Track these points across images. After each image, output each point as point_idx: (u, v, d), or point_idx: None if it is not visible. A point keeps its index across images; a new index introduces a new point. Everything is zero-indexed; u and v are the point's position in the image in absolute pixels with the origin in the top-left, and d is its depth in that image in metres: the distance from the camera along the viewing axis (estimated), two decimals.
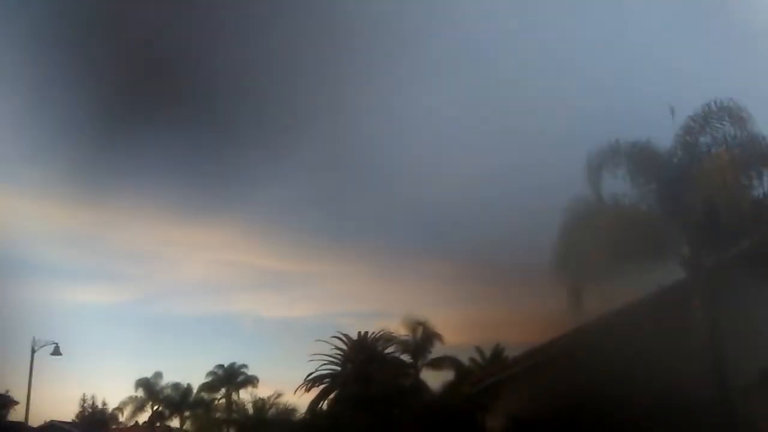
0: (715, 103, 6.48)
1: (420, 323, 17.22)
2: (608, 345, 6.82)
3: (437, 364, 17.31)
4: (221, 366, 23.38)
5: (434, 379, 16.79)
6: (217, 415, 22.08)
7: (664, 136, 6.74)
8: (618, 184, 6.84)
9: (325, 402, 17.38)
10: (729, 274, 6.58)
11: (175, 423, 24.25)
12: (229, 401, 22.65)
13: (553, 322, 8.08)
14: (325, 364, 17.57)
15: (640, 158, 6.84)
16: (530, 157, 7.96)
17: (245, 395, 22.28)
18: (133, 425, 24.77)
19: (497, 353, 16.40)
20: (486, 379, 11.08)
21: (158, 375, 23.54)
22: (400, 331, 17.42)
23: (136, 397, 23.72)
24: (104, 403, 27.37)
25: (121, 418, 25.46)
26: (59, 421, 23.22)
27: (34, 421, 16.15)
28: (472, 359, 17.14)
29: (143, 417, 24.42)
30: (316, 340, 17.41)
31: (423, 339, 17.29)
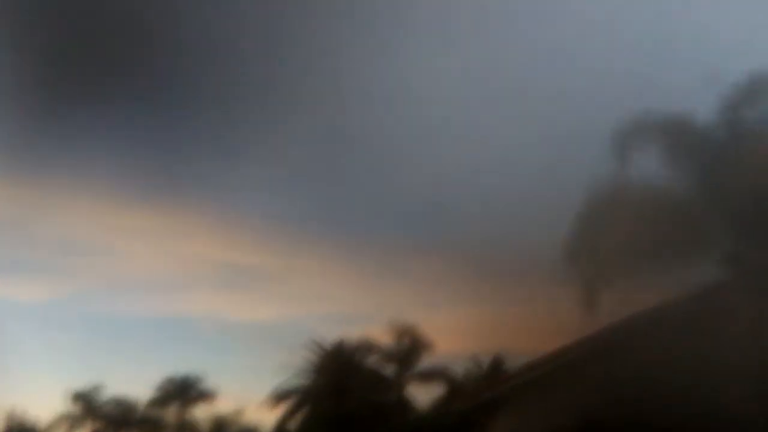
0: (764, 72, 6.62)
1: (407, 329, 17.10)
2: (630, 356, 6.65)
3: (426, 376, 17.20)
4: (173, 378, 23.12)
5: (423, 394, 16.72)
6: None
7: (703, 109, 6.60)
8: (647, 165, 6.67)
9: (295, 419, 17.24)
10: None
11: None
12: (182, 419, 22.45)
13: (563, 327, 7.91)
14: (295, 375, 17.39)
15: (675, 133, 6.68)
16: (538, 130, 7.74)
17: (201, 412, 22.16)
18: None
19: (497, 364, 16.33)
20: (483, 394, 10.99)
21: (98, 387, 23.23)
22: (384, 337, 17.31)
23: (72, 413, 23.48)
24: (34, 420, 27.05)
25: None
26: None
27: None
28: (467, 371, 17.09)
29: None
30: (285, 348, 17.18)
31: (410, 347, 17.16)
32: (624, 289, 6.63)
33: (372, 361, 17.68)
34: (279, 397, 17.75)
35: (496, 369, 15.97)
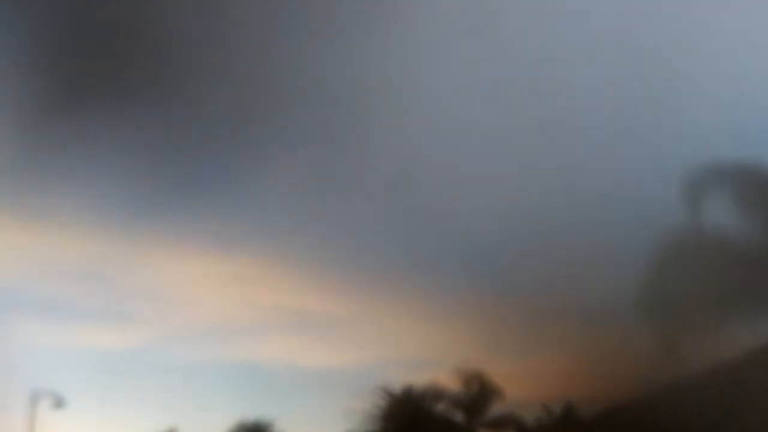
0: None
1: (476, 375, 16.91)
2: (710, 408, 6.48)
3: (496, 424, 16.92)
4: (245, 423, 23.24)
5: None
6: None
7: None
8: (720, 212, 6.58)
9: None
10: None
11: None
12: None
13: (638, 376, 7.77)
14: (364, 421, 17.31)
15: (748, 182, 6.61)
16: (613, 177, 7.71)
17: None
18: None
19: (568, 412, 16.02)
20: None
21: (174, 431, 23.52)
22: (453, 384, 17.14)
23: None
24: None
25: None
26: None
27: None
28: (538, 419, 16.76)
29: None
30: (354, 394, 17.18)
31: (479, 394, 16.96)
32: (701, 336, 6.52)
33: (441, 407, 17.53)
34: None
35: (567, 417, 15.69)
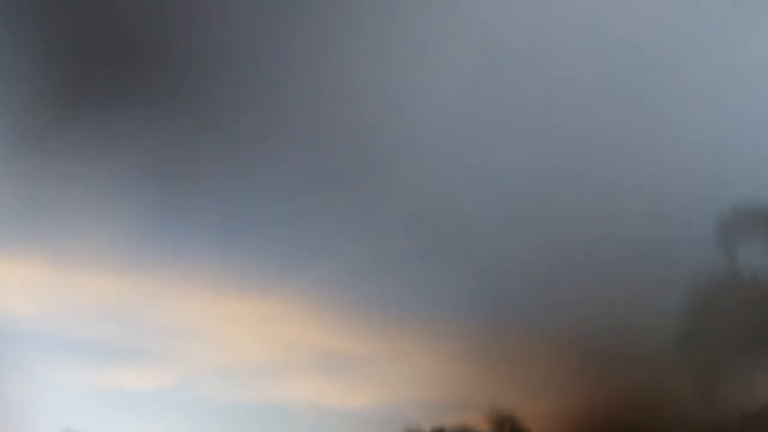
0: None
1: (506, 417, 16.68)
2: None
3: None
4: None
5: None
6: None
7: None
8: (754, 253, 6.53)
9: None
10: None
11: None
12: None
13: (675, 419, 7.66)
14: None
15: None
16: (648, 218, 7.69)
17: None
18: None
19: None
20: None
21: None
22: (482, 425, 16.90)
23: None
24: None
25: None
26: None
27: None
28: None
29: None
30: None
31: None
32: (738, 379, 6.43)
33: None
34: None
35: None
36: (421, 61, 8.62)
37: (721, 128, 8.17)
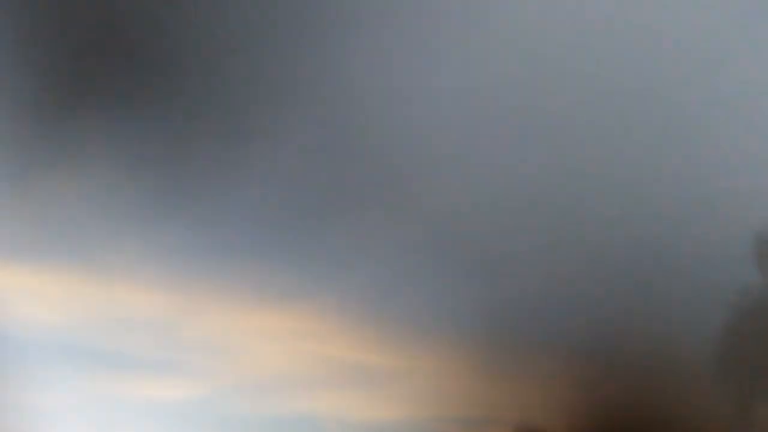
0: None
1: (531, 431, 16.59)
2: None
3: None
4: None
5: None
6: None
7: None
8: None
9: None
10: None
11: None
12: None
13: None
14: None
15: None
16: (678, 236, 7.61)
17: None
18: None
19: None
20: None
21: None
22: None
23: None
24: None
25: None
26: None
27: None
28: None
29: None
30: None
31: None
32: None
33: None
34: None
35: None
36: (435, 73, 8.63)
37: (757, 138, 8.06)
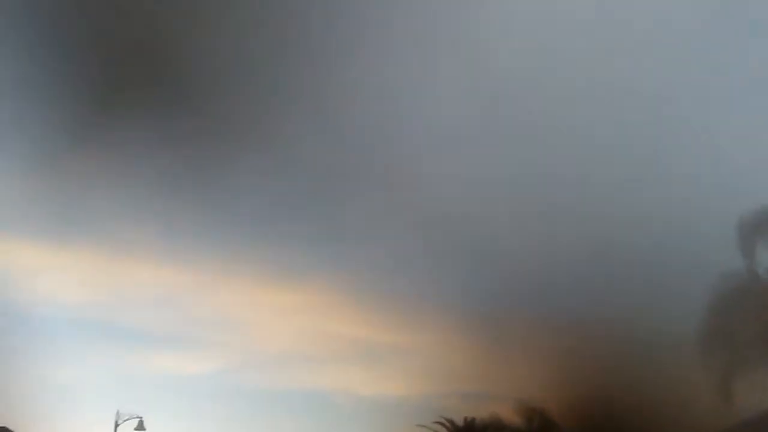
0: None
1: (536, 408, 16.82)
2: None
3: None
4: None
5: None
6: None
7: None
8: None
9: None
10: None
11: None
12: None
13: (698, 415, 7.82)
14: None
15: None
16: (672, 224, 7.86)
17: None
18: None
19: None
20: None
21: None
22: (513, 417, 17.07)
23: None
24: None
25: None
26: None
27: None
28: None
29: None
30: (414, 424, 17.32)
31: (540, 427, 16.84)
32: (756, 377, 6.61)
33: None
34: None
35: None
36: (441, 73, 8.88)
37: (741, 133, 8.26)
